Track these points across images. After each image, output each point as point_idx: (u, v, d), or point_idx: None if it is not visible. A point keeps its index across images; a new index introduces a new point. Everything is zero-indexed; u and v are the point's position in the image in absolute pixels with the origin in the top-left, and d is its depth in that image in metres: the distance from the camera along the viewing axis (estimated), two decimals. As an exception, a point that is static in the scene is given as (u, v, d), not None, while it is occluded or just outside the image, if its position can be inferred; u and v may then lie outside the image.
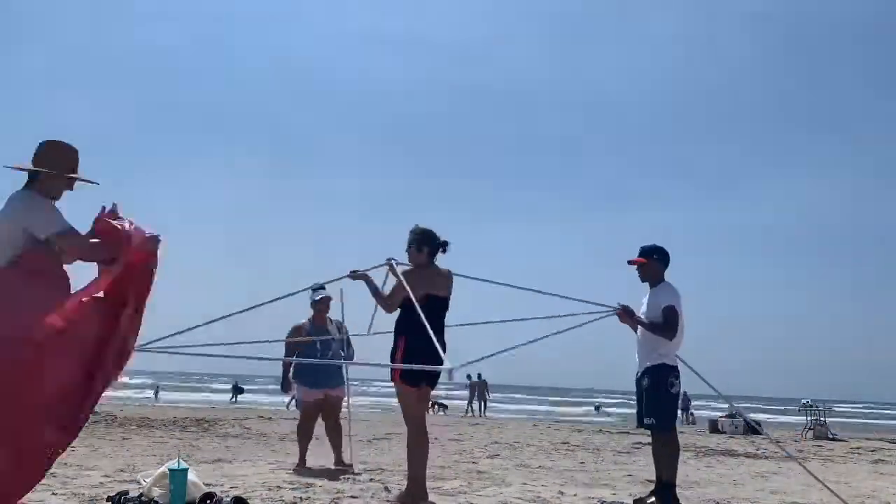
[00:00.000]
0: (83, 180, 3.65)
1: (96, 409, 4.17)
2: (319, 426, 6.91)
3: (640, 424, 5.27)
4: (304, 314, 6.95)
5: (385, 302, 4.84)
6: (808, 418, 17.94)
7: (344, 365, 6.89)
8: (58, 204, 3.54)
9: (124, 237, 3.52)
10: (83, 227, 3.62)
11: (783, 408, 49.57)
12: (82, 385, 3.38)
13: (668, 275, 5.31)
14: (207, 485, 4.62)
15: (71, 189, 3.64)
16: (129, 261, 3.51)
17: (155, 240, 3.62)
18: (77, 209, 3.65)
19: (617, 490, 5.90)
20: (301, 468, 6.46)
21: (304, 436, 6.82)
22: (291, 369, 6.92)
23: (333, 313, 6.94)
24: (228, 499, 4.29)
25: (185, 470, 4.22)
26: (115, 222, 3.59)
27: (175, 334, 3.93)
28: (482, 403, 27.95)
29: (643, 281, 5.34)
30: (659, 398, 5.03)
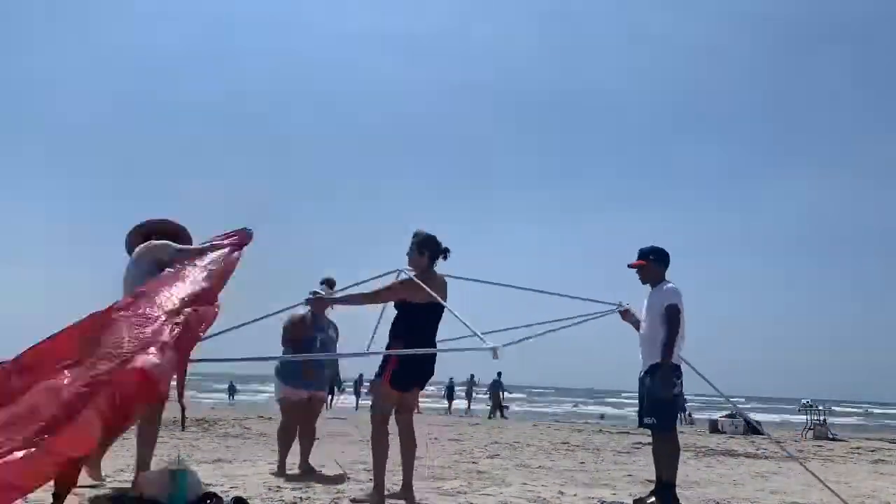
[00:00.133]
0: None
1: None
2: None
3: (641, 424, 5.28)
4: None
5: (372, 299, 4.86)
6: (808, 418, 17.96)
7: (342, 364, 6.78)
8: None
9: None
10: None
11: (783, 408, 49.54)
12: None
13: (669, 275, 5.31)
14: (207, 485, 4.62)
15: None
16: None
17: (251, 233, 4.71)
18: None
19: (617, 490, 5.90)
20: (281, 474, 5.97)
21: (286, 440, 6.27)
22: (278, 363, 6.30)
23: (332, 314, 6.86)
24: (228, 499, 4.30)
25: (185, 470, 4.22)
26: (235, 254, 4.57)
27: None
28: (499, 406, 25.27)
29: (644, 283, 5.33)
30: (659, 398, 5.03)
